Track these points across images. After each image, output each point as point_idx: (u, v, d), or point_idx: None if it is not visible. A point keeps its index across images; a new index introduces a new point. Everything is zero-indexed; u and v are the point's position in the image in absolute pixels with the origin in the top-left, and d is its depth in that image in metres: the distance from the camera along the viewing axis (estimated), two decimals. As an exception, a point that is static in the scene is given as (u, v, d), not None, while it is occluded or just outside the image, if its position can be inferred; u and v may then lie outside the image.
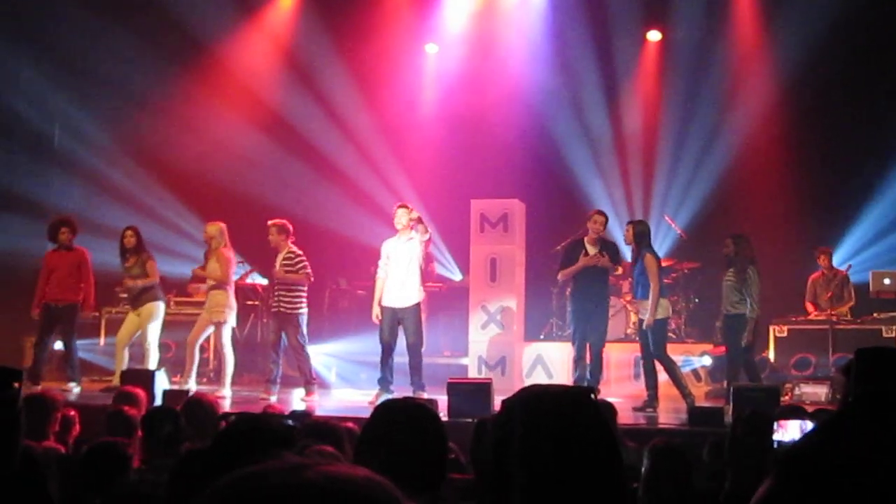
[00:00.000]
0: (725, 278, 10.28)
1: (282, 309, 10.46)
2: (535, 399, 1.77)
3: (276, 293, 10.53)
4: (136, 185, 14.15)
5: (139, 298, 10.80)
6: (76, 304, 10.77)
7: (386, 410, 2.68)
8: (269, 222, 10.62)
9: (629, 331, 12.94)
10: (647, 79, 15.28)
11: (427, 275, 13.06)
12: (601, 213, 10.69)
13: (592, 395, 1.84)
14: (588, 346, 10.32)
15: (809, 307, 12.17)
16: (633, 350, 12.01)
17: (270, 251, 10.75)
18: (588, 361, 10.33)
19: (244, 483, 0.99)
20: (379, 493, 1.00)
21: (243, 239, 11.86)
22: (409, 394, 9.30)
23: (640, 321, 10.18)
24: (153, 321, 10.81)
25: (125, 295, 11.05)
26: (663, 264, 11.03)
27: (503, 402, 1.84)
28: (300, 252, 10.55)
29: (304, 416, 5.38)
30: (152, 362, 10.68)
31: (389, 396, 9.74)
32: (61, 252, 10.83)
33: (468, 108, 14.97)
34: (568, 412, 1.74)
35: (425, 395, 9.49)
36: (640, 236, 10.20)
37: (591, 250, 10.35)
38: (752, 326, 10.10)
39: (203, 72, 14.83)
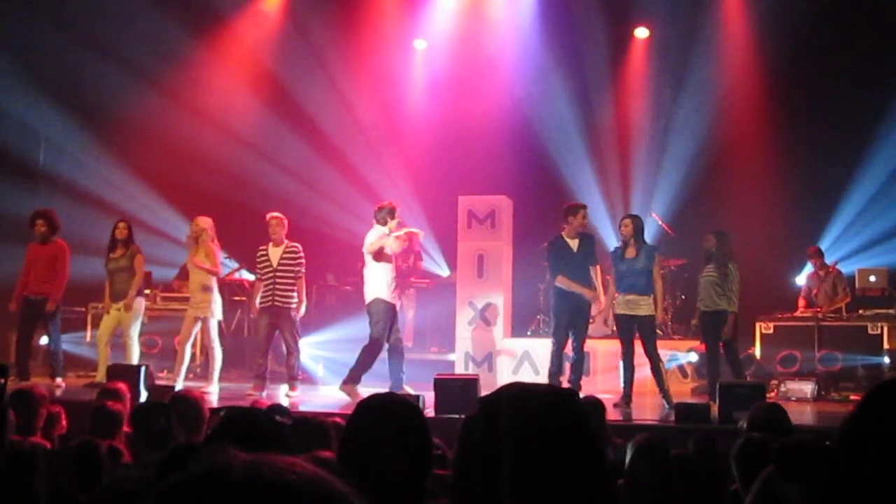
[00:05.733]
0: (705, 274, 10.27)
1: (277, 302, 10.40)
2: (520, 398, 1.77)
3: (272, 287, 10.44)
4: (123, 195, 14.13)
5: (122, 293, 10.76)
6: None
7: (368, 406, 2.67)
8: (270, 215, 10.60)
9: (615, 327, 12.95)
10: (634, 76, 15.32)
11: (414, 270, 13.08)
12: (583, 205, 10.54)
13: (575, 397, 1.85)
14: (570, 341, 10.27)
15: (801, 303, 12.22)
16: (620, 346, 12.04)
17: (255, 246, 10.73)
18: (573, 357, 10.32)
19: (208, 476, 1.00)
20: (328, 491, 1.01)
21: (232, 236, 11.89)
22: (370, 390, 9.25)
23: (629, 315, 10.07)
24: (135, 316, 10.80)
25: (107, 289, 10.95)
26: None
27: (481, 399, 1.84)
28: (300, 247, 10.59)
29: (285, 412, 5.39)
30: (134, 357, 10.65)
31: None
32: (39, 245, 10.78)
33: (456, 105, 14.98)
34: (552, 411, 1.74)
35: (410, 390, 9.49)
36: (639, 231, 10.14)
37: (572, 244, 10.33)
38: (733, 321, 10.12)
39: (192, 69, 14.81)
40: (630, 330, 10.04)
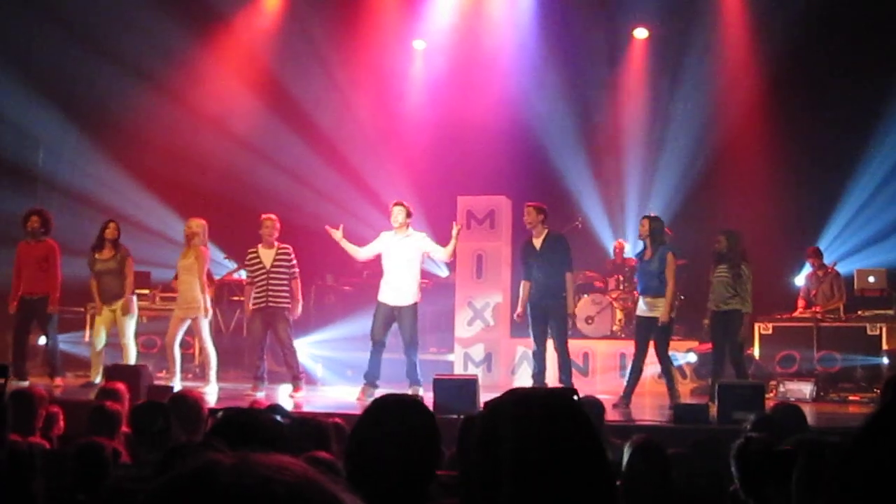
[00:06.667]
0: (716, 274, 10.12)
1: (271, 303, 10.37)
2: (524, 401, 1.77)
3: (266, 288, 10.40)
4: (121, 197, 14.11)
5: (113, 295, 10.75)
6: (48, 296, 10.63)
7: (381, 407, 2.67)
8: (265, 216, 10.59)
9: (615, 327, 12.95)
10: (634, 76, 15.32)
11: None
12: (528, 204, 10.45)
13: (575, 397, 1.85)
14: (553, 343, 10.18)
15: (800, 303, 12.21)
16: (619, 346, 12.05)
17: (254, 246, 10.70)
18: (557, 359, 10.26)
19: (195, 479, 1.00)
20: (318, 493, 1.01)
21: (230, 236, 11.88)
22: (399, 390, 9.26)
23: (646, 318, 9.95)
24: (130, 316, 10.78)
25: (95, 290, 10.88)
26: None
27: (487, 404, 1.84)
28: (291, 249, 10.58)
29: (285, 413, 5.38)
30: (132, 358, 10.63)
31: (375, 392, 9.74)
32: (31, 243, 10.71)
33: (455, 105, 14.97)
34: (556, 414, 1.75)
35: (421, 392, 9.49)
36: (656, 232, 10.02)
37: (536, 243, 10.30)
38: (747, 322, 10.10)
39: (190, 68, 14.81)
40: (644, 331, 9.99)
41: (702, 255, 11.35)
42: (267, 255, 10.46)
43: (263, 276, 10.41)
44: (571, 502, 1.68)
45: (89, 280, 10.87)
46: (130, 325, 10.79)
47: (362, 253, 10.49)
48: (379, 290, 10.36)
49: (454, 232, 10.25)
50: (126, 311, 10.71)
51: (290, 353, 10.45)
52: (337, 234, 10.35)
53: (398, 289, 10.21)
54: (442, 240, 13.51)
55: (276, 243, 10.52)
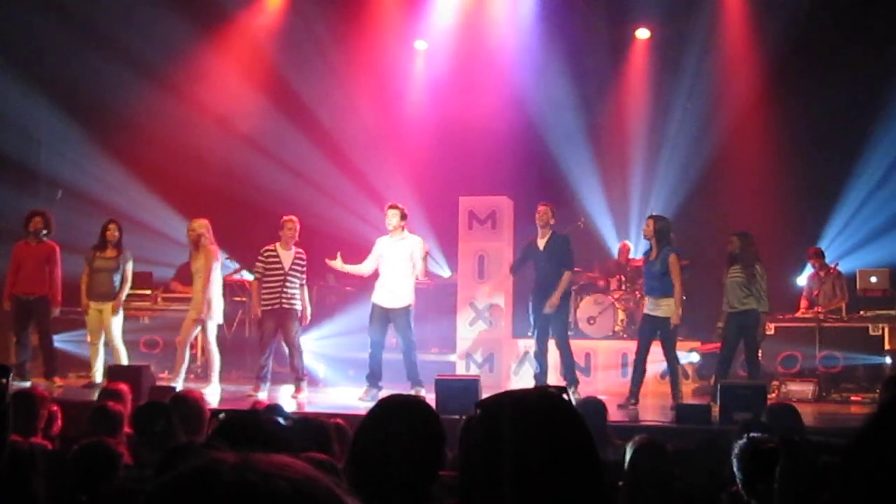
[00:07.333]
0: (730, 275, 10.11)
1: (284, 304, 10.36)
2: (521, 402, 1.78)
3: (280, 289, 10.35)
4: (124, 197, 14.10)
5: (103, 293, 10.74)
6: (47, 297, 10.64)
7: (385, 408, 2.67)
8: (287, 218, 10.55)
9: (617, 328, 12.94)
10: (636, 76, 15.32)
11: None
12: (545, 203, 10.47)
13: (565, 395, 1.86)
14: (554, 342, 10.20)
15: (802, 303, 12.21)
16: (621, 347, 12.03)
17: (257, 247, 10.69)
18: (560, 357, 10.24)
19: (197, 477, 1.00)
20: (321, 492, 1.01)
21: (234, 235, 11.86)
22: (401, 390, 9.25)
23: (650, 316, 9.96)
24: (115, 318, 10.76)
25: (84, 286, 10.84)
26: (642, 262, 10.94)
27: (480, 404, 1.84)
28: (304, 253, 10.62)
29: (284, 413, 5.38)
30: (123, 358, 10.61)
31: (378, 392, 9.75)
32: (31, 244, 10.71)
33: (457, 106, 14.96)
34: (553, 414, 1.75)
35: (423, 392, 9.48)
36: (662, 233, 9.97)
37: (540, 243, 10.31)
38: (765, 321, 10.12)
39: (193, 66, 14.81)
40: (647, 330, 10.02)
41: (703, 255, 11.35)
42: (286, 257, 10.45)
43: (280, 277, 10.38)
44: (571, 501, 1.69)
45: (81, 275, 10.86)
46: (117, 326, 10.77)
47: (366, 268, 10.52)
48: (373, 291, 10.38)
49: (423, 255, 10.35)
50: (115, 311, 10.71)
51: (297, 355, 10.46)
52: (337, 264, 10.43)
53: (392, 291, 10.22)
54: (443, 240, 13.51)
55: (293, 246, 10.53)
